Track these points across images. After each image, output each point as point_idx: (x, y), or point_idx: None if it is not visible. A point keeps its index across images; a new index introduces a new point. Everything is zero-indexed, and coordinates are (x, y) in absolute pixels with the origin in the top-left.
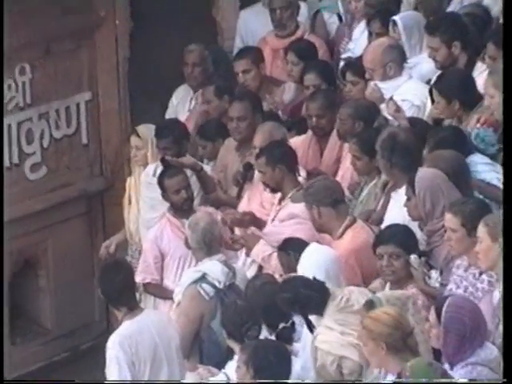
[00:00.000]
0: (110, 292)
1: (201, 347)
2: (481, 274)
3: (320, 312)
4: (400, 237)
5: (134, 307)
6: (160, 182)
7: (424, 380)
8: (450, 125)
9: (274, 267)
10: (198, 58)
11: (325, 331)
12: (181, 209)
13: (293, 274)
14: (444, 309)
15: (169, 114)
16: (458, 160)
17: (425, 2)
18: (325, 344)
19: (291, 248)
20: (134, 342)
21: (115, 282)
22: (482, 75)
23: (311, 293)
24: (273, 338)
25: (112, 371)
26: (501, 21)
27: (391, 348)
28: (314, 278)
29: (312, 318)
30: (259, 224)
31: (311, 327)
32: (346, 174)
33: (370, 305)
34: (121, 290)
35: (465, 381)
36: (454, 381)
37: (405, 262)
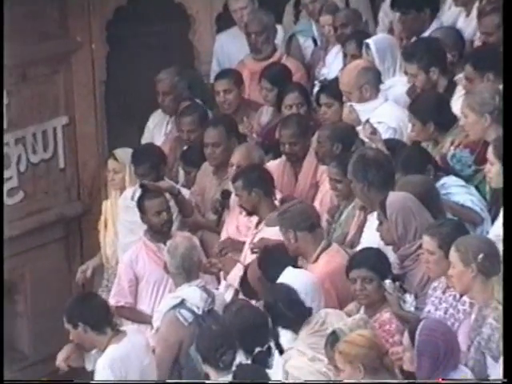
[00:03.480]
0: (93, 316)
1: (180, 373)
2: (461, 295)
3: (293, 329)
4: (372, 260)
5: (118, 330)
6: (140, 204)
7: (424, 380)
8: (412, 145)
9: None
10: (167, 86)
11: (296, 356)
12: (160, 231)
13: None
14: (417, 332)
15: (145, 138)
16: (426, 184)
17: (406, 23)
18: (295, 370)
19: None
20: (123, 365)
21: (94, 304)
22: (461, 98)
23: (289, 311)
24: (249, 362)
25: None
26: (476, 43)
27: (369, 369)
28: (297, 298)
29: (287, 338)
30: (238, 247)
31: (279, 344)
32: (325, 197)
33: (333, 337)
34: (103, 311)
35: (465, 381)
36: (454, 381)
37: (378, 286)
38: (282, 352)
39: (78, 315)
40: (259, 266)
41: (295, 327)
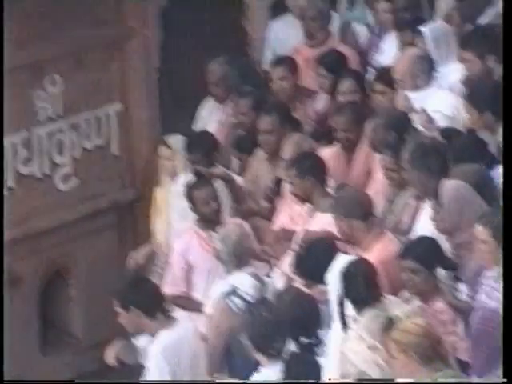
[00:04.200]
0: (146, 301)
1: (230, 360)
2: None
3: (358, 307)
4: (420, 251)
5: (169, 316)
6: (188, 194)
7: (427, 380)
8: (467, 133)
9: None
10: (217, 77)
11: (355, 340)
12: (209, 220)
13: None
14: (472, 321)
15: (197, 126)
16: (481, 173)
17: (462, 9)
18: (351, 353)
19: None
20: (176, 351)
21: (147, 289)
22: None
23: (362, 284)
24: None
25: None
26: None
27: (422, 358)
28: (375, 281)
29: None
30: (291, 236)
31: (343, 315)
32: (378, 185)
33: (389, 323)
34: (156, 297)
35: (466, 381)
36: (454, 381)
37: (425, 277)
38: (345, 324)
39: (132, 299)
40: (294, 263)
41: (361, 306)
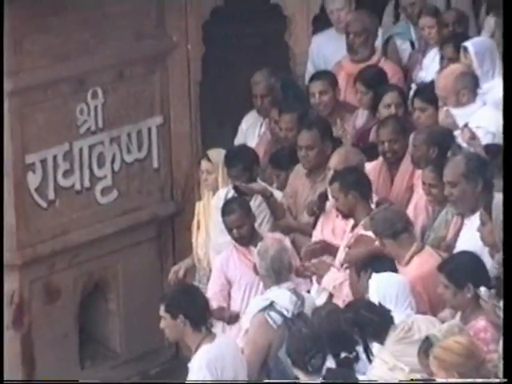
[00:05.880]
0: (195, 311)
1: (268, 376)
2: None
3: (380, 339)
4: (450, 268)
5: (210, 331)
6: (221, 217)
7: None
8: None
9: (345, 295)
10: (265, 89)
11: (379, 365)
12: (241, 242)
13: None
14: None
15: (238, 140)
16: None
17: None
18: (376, 379)
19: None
20: (219, 365)
21: (198, 300)
22: None
23: (372, 316)
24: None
25: None
26: None
27: (464, 378)
28: (380, 304)
29: (375, 348)
30: (331, 251)
31: (369, 354)
32: (419, 202)
33: (427, 343)
34: (205, 309)
35: (465, 381)
36: (455, 381)
37: (453, 293)
38: (368, 353)
39: (181, 307)
40: (357, 272)
41: (381, 335)
